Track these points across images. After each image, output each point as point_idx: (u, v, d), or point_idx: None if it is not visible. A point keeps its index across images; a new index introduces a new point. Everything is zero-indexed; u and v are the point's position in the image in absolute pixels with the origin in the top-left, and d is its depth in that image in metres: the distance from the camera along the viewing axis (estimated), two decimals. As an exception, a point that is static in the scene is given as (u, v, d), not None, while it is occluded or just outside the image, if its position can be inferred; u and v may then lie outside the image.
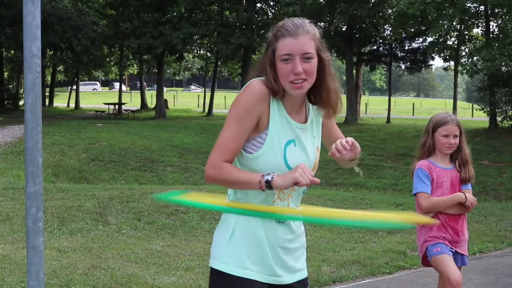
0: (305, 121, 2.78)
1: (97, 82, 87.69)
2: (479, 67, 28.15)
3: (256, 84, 2.65)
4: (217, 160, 2.62)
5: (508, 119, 31.86)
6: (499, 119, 32.16)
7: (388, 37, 39.71)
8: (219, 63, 44.40)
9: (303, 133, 2.74)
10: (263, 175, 2.56)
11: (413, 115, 52.84)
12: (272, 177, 2.54)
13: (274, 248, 2.73)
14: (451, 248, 4.46)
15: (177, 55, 40.39)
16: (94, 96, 70.47)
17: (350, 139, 2.65)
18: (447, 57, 37.66)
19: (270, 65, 2.65)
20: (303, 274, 2.88)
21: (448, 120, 4.50)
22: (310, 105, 2.81)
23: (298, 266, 2.84)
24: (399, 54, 42.40)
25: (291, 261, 2.80)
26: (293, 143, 2.69)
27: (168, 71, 58.60)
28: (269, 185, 2.54)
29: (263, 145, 2.65)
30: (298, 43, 2.60)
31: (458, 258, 4.53)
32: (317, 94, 2.73)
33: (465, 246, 4.61)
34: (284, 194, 2.72)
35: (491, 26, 33.08)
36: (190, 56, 50.94)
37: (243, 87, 2.70)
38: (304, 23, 2.65)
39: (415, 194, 4.52)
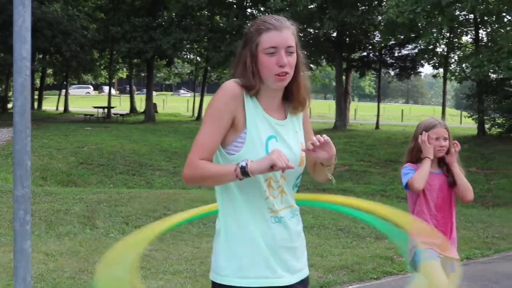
0: (284, 118, 2.79)
1: (90, 86, 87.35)
2: (467, 73, 28.32)
3: (228, 85, 2.68)
4: (193, 158, 2.62)
5: (496, 126, 32.03)
6: (487, 126, 32.31)
7: (378, 44, 39.86)
8: (208, 68, 44.38)
9: (283, 129, 2.75)
10: (238, 164, 2.57)
11: (402, 121, 52.99)
12: (247, 163, 2.54)
13: (273, 249, 2.68)
14: (439, 254, 4.48)
15: (167, 60, 40.31)
16: (83, 99, 70.24)
17: (325, 136, 2.66)
18: (436, 64, 37.84)
19: (252, 59, 2.67)
20: (304, 274, 2.84)
21: (436, 123, 4.54)
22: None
23: (299, 265, 2.80)
24: (389, 61, 42.55)
25: (291, 260, 2.75)
26: (274, 139, 2.69)
27: (159, 75, 58.51)
28: (244, 170, 2.54)
29: (243, 144, 2.65)
30: (283, 36, 2.65)
31: (448, 264, 4.55)
32: (288, 89, 2.76)
33: (455, 250, 4.62)
34: (275, 190, 2.70)
35: (480, 34, 33.28)
36: (180, 62, 50.88)
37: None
38: (285, 19, 2.72)
39: (406, 187, 4.54)
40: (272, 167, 2.52)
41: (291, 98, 2.78)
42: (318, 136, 2.66)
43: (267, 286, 2.68)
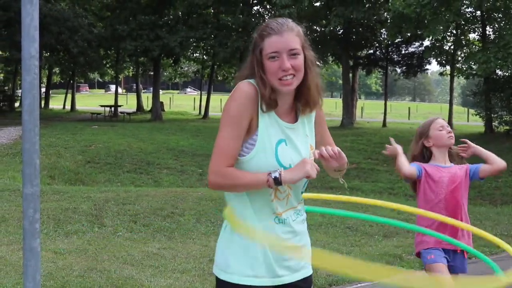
0: (295, 121, 2.80)
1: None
2: (474, 70, 28.22)
3: (243, 86, 2.68)
4: (219, 166, 2.63)
5: (504, 124, 31.90)
6: (495, 123, 32.17)
7: (384, 41, 39.74)
8: (215, 66, 44.36)
9: (293, 133, 2.76)
10: (269, 173, 2.59)
11: (408, 119, 52.88)
12: (280, 173, 2.58)
13: (275, 248, 2.71)
14: (445, 254, 4.43)
15: (173, 57, 40.28)
16: (90, 98, 70.34)
17: (337, 148, 2.66)
18: (443, 61, 37.71)
19: (258, 64, 2.68)
20: (306, 272, 2.86)
21: (433, 118, 4.62)
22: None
23: (301, 264, 2.82)
24: (395, 58, 42.46)
25: (293, 260, 2.78)
26: (284, 143, 2.70)
27: (165, 73, 58.55)
28: (277, 181, 2.57)
29: (254, 146, 2.66)
30: (283, 40, 2.64)
31: (458, 260, 4.49)
32: (298, 90, 2.75)
33: (469, 241, 4.53)
34: (282, 193, 2.72)
35: (487, 31, 33.14)
36: (186, 61, 50.85)
37: (232, 92, 2.72)
38: (288, 21, 2.70)
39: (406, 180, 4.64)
40: (308, 177, 2.60)
41: (301, 99, 2.77)
42: (330, 150, 2.65)
43: (266, 286, 2.71)
